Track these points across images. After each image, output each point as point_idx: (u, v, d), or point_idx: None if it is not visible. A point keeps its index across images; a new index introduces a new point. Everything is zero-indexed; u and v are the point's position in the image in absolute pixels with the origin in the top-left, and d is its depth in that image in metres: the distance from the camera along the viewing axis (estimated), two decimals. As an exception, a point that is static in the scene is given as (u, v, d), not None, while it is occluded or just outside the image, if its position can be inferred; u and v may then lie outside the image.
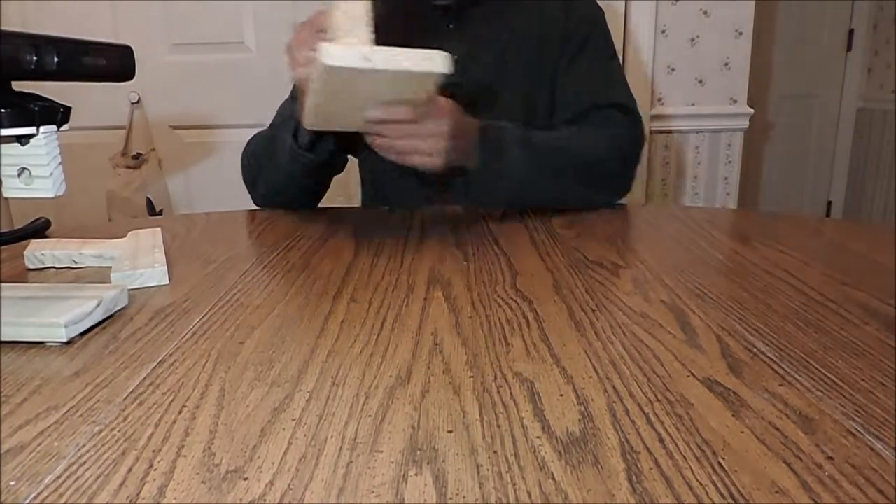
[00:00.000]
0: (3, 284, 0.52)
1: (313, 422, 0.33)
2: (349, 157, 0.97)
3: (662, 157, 1.80)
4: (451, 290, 0.53)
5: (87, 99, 1.67)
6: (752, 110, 1.77)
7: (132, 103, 1.67)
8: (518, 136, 0.82)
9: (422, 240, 0.71)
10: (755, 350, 0.41)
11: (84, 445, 0.31)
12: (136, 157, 1.66)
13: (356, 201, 1.14)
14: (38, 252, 0.63)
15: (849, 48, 3.03)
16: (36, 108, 0.42)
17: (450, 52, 0.73)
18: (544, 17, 0.94)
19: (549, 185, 0.84)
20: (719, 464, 0.29)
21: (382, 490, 0.27)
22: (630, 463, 0.29)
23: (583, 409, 0.34)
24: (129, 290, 0.55)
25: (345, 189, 1.19)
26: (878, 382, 0.36)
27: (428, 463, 0.29)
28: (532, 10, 0.94)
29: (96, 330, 0.47)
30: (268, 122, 1.00)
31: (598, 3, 0.99)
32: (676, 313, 0.48)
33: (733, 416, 0.33)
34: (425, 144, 0.74)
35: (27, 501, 0.27)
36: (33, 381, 0.38)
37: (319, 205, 0.96)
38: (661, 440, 0.31)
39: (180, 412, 0.34)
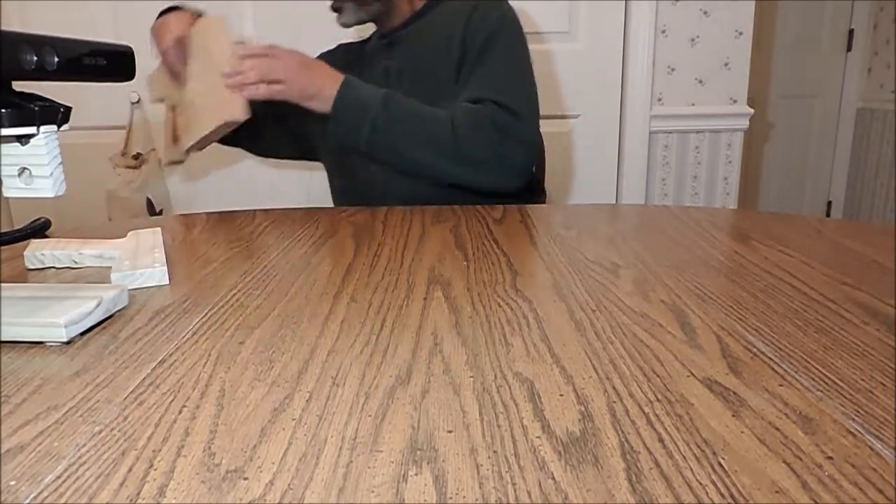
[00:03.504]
0: (3, 284, 0.52)
1: (313, 422, 0.33)
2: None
3: (662, 157, 1.80)
4: (451, 290, 0.53)
5: (87, 99, 1.67)
6: (752, 110, 1.77)
7: (132, 103, 1.67)
8: (381, 93, 0.92)
9: (422, 240, 0.71)
10: (755, 350, 0.41)
11: (84, 445, 0.31)
12: (136, 157, 1.66)
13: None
14: (38, 252, 0.63)
15: (849, 48, 3.03)
16: (36, 108, 0.42)
17: (387, 68, 1.03)
18: (448, 29, 1.03)
19: (404, 143, 0.93)
20: (719, 464, 0.29)
21: (382, 490, 0.27)
22: (630, 463, 0.29)
23: (583, 409, 0.34)
24: (129, 290, 0.55)
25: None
26: (878, 382, 0.36)
27: (428, 463, 0.29)
28: (440, 27, 1.04)
29: (96, 330, 0.47)
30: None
31: (508, 12, 1.03)
32: (676, 313, 0.48)
33: (733, 416, 0.33)
34: (276, 72, 0.89)
35: (27, 501, 0.27)
36: (33, 381, 0.38)
37: (318, 205, 0.97)
38: (661, 440, 0.31)
39: (180, 412, 0.34)
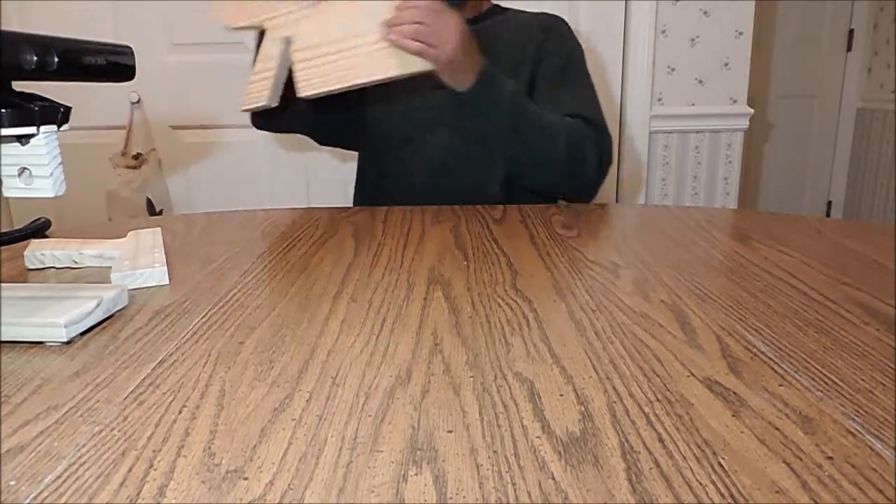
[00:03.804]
0: (3, 284, 0.52)
1: (313, 422, 0.33)
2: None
3: (662, 157, 1.80)
4: (451, 290, 0.53)
5: (87, 99, 1.67)
6: (752, 110, 1.77)
7: (132, 103, 1.67)
8: (508, 92, 0.92)
9: (422, 240, 0.71)
10: (755, 350, 0.41)
11: (84, 445, 0.31)
12: (136, 157, 1.66)
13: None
14: (38, 252, 0.63)
15: (849, 48, 3.03)
16: (36, 108, 0.42)
17: None
18: (519, 38, 1.07)
19: (522, 147, 0.94)
20: (719, 464, 0.29)
21: (382, 490, 0.27)
22: (630, 463, 0.29)
23: (583, 409, 0.34)
24: (129, 290, 0.55)
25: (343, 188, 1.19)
26: (878, 382, 0.36)
27: (428, 463, 0.29)
28: (511, 32, 1.08)
29: (96, 330, 0.47)
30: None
31: (578, 38, 1.10)
32: (676, 313, 0.48)
33: (733, 416, 0.33)
34: (439, 34, 0.81)
35: (27, 501, 0.27)
36: (33, 381, 0.38)
37: (318, 205, 0.97)
38: (661, 440, 0.31)
39: (180, 412, 0.34)
